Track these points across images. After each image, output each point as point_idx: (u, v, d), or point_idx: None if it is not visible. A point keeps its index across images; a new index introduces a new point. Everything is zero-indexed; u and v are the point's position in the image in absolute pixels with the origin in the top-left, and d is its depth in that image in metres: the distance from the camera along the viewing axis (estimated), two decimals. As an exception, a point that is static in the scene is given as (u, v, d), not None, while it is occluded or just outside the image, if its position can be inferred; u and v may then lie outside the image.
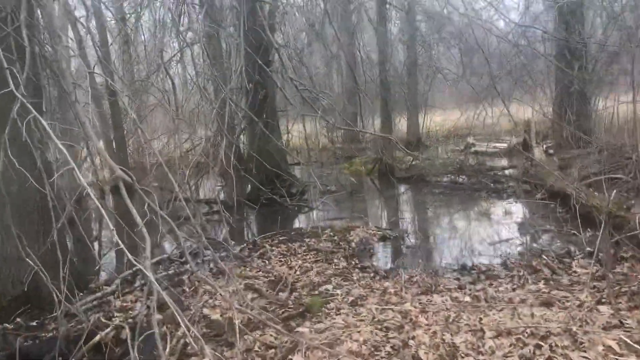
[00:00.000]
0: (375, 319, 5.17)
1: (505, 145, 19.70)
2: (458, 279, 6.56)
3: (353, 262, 7.63)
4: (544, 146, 13.48)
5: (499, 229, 9.34)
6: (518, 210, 10.56)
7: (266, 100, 13.77)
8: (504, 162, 16.67)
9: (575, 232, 7.69)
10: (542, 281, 6.10)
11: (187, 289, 6.62)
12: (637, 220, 6.26)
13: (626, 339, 4.22)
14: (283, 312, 5.70)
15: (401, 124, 23.92)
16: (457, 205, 11.44)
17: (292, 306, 5.87)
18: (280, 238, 9.26)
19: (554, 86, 17.26)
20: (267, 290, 6.47)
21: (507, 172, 13.78)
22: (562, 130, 14.45)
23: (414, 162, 17.38)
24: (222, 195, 13.89)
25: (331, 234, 9.17)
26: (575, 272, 6.36)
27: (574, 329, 4.47)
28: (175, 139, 13.87)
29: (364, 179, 16.75)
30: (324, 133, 25.88)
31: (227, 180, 13.09)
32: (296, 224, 11.25)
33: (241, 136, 14.92)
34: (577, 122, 15.05)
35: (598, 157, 11.44)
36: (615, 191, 7.51)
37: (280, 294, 6.34)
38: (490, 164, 14.56)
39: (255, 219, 12.27)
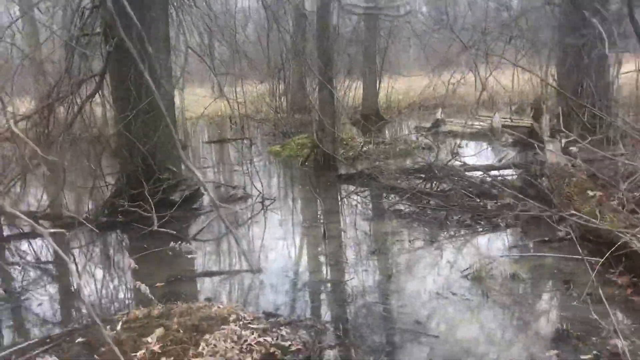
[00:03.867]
0: None
1: (486, 125, 14.77)
2: None
3: None
4: (561, 139, 8.38)
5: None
6: (540, 275, 5.57)
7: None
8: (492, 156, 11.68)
9: None
10: None
11: None
12: None
13: None
14: None
15: (356, 93, 18.69)
16: (426, 253, 6.36)
17: None
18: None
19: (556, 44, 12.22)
20: None
21: (499, 175, 8.76)
22: (572, 105, 9.49)
23: (365, 148, 12.28)
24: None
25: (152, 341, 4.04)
26: None
27: None
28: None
29: (293, 172, 11.57)
30: (266, 100, 20.62)
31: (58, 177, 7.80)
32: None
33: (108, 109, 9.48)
34: (592, 94, 10.14)
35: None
36: None
37: None
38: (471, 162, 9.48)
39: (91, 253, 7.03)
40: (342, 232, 7.13)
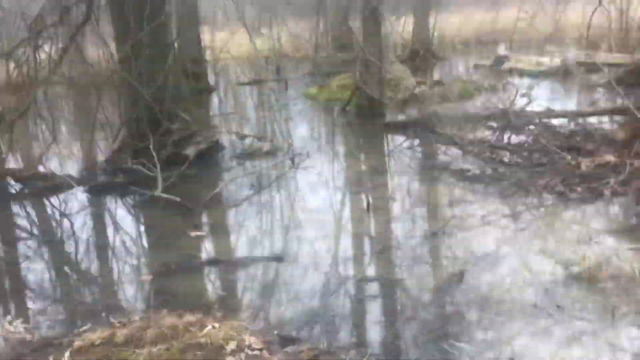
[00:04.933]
0: None
1: (559, 61, 12.51)
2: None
3: None
4: None
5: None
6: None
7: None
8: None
9: None
10: None
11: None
12: None
13: None
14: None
15: (405, 28, 16.50)
16: (508, 236, 4.63)
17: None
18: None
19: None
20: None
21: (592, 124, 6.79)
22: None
23: (417, 90, 10.38)
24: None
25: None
26: None
27: None
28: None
29: (332, 119, 9.82)
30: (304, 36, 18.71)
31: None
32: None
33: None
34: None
35: None
36: None
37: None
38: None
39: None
40: (391, 202, 5.47)
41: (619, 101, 7.21)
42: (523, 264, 3.87)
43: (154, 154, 6.45)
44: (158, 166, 6.18)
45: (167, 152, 6.88)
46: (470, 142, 6.92)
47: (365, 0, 9.14)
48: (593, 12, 8.09)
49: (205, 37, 14.27)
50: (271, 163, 6.99)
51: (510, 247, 4.19)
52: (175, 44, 7.86)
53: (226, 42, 15.22)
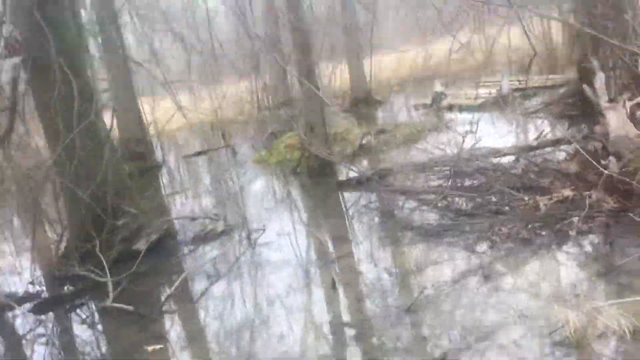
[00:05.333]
0: None
1: (494, 91, 12.77)
2: None
3: None
4: (625, 101, 6.21)
5: None
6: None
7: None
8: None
9: None
10: None
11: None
12: None
13: None
14: None
15: (340, 75, 16.63)
16: (481, 299, 4.43)
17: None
18: None
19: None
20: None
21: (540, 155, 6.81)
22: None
23: (364, 141, 10.31)
24: None
25: None
26: None
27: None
28: None
29: (284, 183, 9.57)
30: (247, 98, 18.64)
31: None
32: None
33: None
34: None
35: None
36: None
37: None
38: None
39: None
40: (358, 275, 5.21)
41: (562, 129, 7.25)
42: (505, 334, 3.64)
43: (101, 257, 6.07)
44: (107, 271, 5.79)
45: (117, 251, 6.51)
46: (425, 191, 6.82)
47: (300, 56, 9.06)
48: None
49: (147, 110, 13.88)
50: (227, 244, 6.65)
51: (488, 313, 3.97)
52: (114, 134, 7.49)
53: (169, 113, 14.91)
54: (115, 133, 13.59)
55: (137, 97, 12.94)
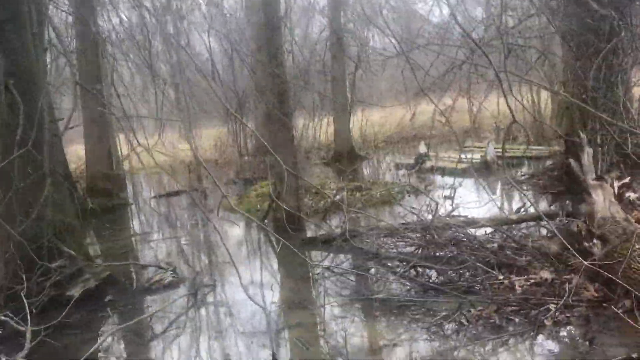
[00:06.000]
0: None
1: (478, 157, 12.41)
2: None
3: None
4: (613, 180, 5.77)
5: None
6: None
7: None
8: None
9: None
10: None
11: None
12: None
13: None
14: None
15: (327, 129, 16.30)
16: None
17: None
18: None
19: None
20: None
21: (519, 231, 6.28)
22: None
23: (338, 197, 9.76)
24: None
25: None
26: None
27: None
28: None
29: (249, 236, 8.95)
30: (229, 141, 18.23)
31: None
32: None
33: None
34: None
35: None
36: None
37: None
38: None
39: None
40: (302, 351, 4.54)
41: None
42: None
43: (25, 301, 5.37)
44: (29, 319, 5.09)
45: (46, 296, 5.81)
46: (393, 258, 6.25)
47: (279, 104, 8.62)
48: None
49: (124, 147, 13.29)
50: (171, 298, 5.96)
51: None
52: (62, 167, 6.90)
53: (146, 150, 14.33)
54: (82, 167, 13.10)
55: (111, 131, 12.43)
